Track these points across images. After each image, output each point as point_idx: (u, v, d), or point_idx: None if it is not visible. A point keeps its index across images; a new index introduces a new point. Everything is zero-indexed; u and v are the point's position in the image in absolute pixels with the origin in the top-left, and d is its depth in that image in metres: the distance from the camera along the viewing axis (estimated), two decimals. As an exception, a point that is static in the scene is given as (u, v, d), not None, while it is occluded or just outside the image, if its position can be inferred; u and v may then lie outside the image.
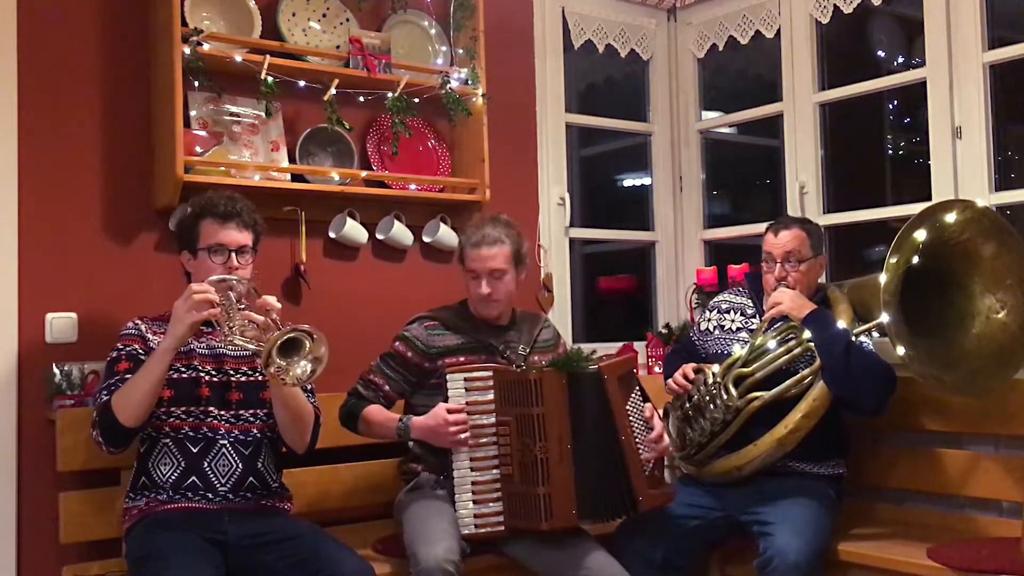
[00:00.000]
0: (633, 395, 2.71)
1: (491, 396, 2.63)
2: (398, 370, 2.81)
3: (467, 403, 2.62)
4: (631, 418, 2.66)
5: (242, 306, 2.39)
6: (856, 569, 2.75)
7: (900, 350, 2.60)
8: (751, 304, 3.10)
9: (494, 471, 2.62)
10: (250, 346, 2.36)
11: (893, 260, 2.61)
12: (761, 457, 2.80)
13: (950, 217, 2.67)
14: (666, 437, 2.75)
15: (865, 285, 3.03)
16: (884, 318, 2.61)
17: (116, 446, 2.40)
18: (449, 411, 2.60)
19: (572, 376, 2.62)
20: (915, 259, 2.65)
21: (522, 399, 2.59)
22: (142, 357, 2.43)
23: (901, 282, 2.62)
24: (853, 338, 2.78)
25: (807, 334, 2.82)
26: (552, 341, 3.01)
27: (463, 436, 2.59)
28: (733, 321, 3.10)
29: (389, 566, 2.62)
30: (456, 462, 2.63)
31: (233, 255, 2.49)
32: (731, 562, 2.98)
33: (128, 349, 2.46)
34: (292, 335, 2.25)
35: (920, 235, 2.64)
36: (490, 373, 2.65)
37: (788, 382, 2.80)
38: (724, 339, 3.07)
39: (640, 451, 2.64)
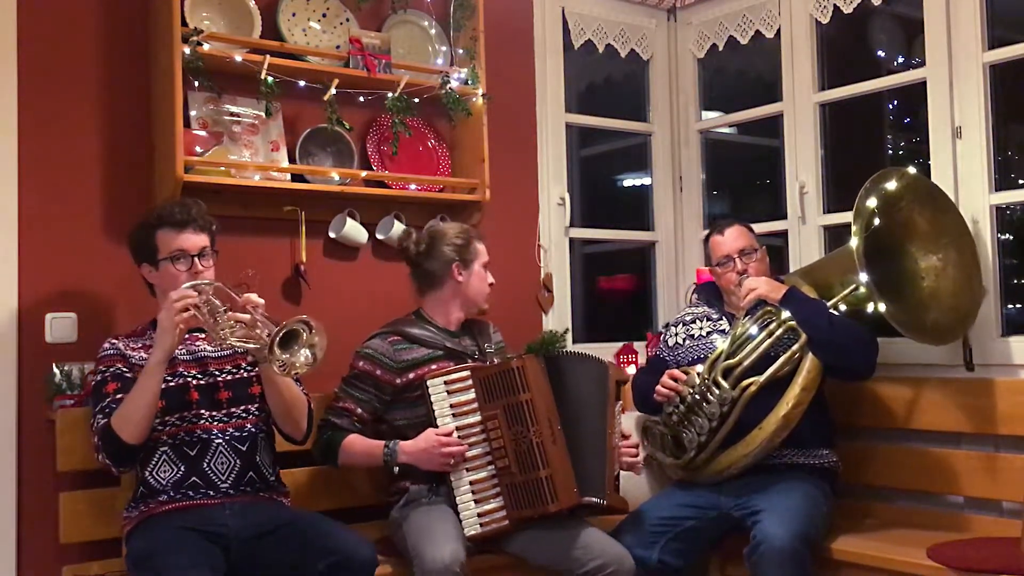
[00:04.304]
0: (619, 403, 2.84)
1: (473, 395, 2.70)
2: (368, 390, 2.78)
3: (451, 405, 2.68)
4: (616, 420, 2.81)
5: (225, 307, 2.40)
6: (855, 569, 2.75)
7: (882, 306, 2.80)
8: (713, 310, 3.16)
9: (489, 467, 2.67)
10: (249, 345, 2.36)
11: (856, 227, 2.86)
12: (768, 439, 2.81)
13: (891, 185, 2.96)
14: (641, 452, 2.89)
15: (817, 267, 3.22)
16: (863, 278, 2.81)
17: (124, 465, 2.42)
18: (439, 434, 2.65)
19: (549, 359, 2.78)
20: (875, 221, 2.93)
21: (506, 389, 2.68)
22: (127, 375, 2.44)
23: (867, 245, 2.85)
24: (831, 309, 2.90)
25: (786, 314, 2.88)
26: (503, 344, 3.05)
27: (455, 459, 2.63)
28: (701, 328, 3.14)
29: (390, 566, 2.62)
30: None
31: (195, 259, 2.50)
32: (731, 562, 2.97)
33: (112, 370, 2.46)
34: (287, 329, 2.26)
35: (871, 202, 2.92)
36: (468, 373, 2.71)
37: (780, 360, 2.85)
38: (696, 346, 3.11)
39: (616, 452, 2.78)
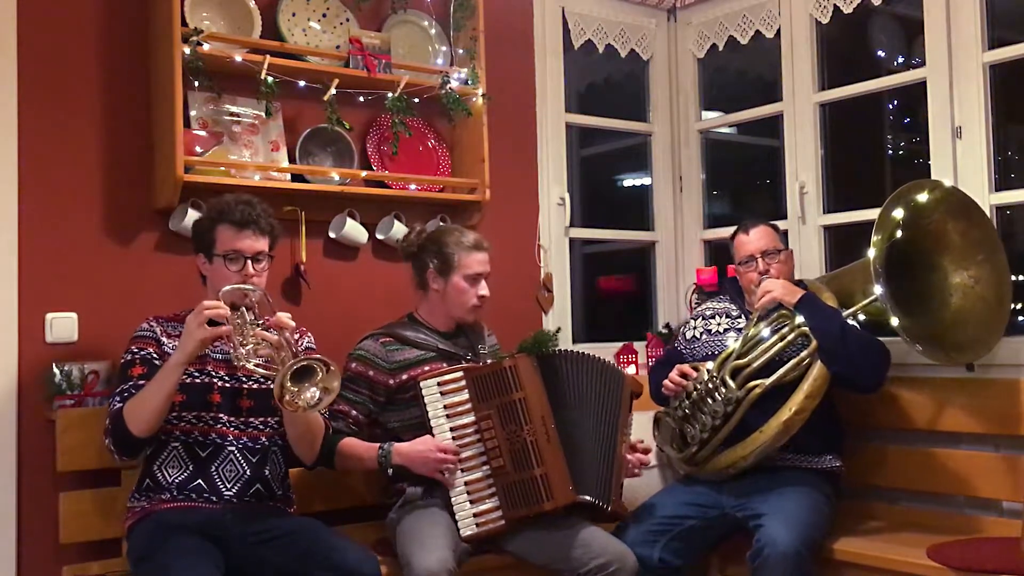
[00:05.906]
0: (631, 415, 2.85)
1: (466, 396, 2.69)
2: (362, 391, 2.77)
3: (444, 406, 2.68)
4: (629, 429, 2.82)
5: (259, 322, 2.37)
6: (855, 569, 2.75)
7: (895, 320, 2.75)
8: (735, 307, 3.16)
9: (484, 468, 2.67)
10: (259, 371, 2.33)
11: (877, 237, 2.79)
12: (767, 443, 2.81)
13: (922, 197, 2.89)
14: (652, 456, 2.90)
15: (842, 275, 3.16)
16: (877, 290, 2.76)
17: (129, 455, 2.40)
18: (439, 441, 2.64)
19: (543, 358, 2.77)
20: (898, 233, 2.86)
21: (499, 389, 2.69)
22: (156, 362, 2.42)
23: (887, 257, 2.79)
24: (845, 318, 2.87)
25: (800, 319, 2.87)
26: (498, 346, 3.04)
27: (449, 466, 2.62)
28: (719, 324, 3.14)
29: (389, 566, 2.62)
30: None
31: (249, 263, 2.47)
32: (731, 562, 2.97)
33: (143, 353, 2.44)
34: (305, 363, 2.23)
35: (898, 213, 2.85)
36: (461, 373, 2.71)
37: (788, 366, 2.84)
38: (712, 342, 3.11)
39: (625, 461, 2.78)
